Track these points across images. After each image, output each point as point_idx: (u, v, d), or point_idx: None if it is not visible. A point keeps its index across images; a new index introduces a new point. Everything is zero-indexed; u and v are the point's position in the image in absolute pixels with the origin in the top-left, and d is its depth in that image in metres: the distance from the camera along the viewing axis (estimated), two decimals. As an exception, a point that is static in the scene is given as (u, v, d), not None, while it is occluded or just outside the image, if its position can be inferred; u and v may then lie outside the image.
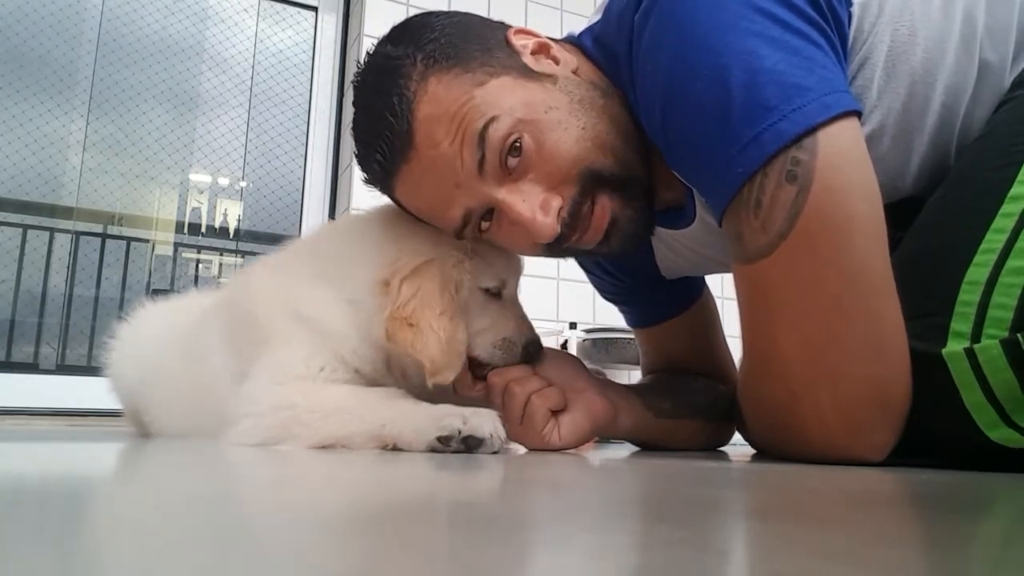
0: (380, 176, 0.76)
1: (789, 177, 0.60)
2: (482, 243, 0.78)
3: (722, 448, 1.07)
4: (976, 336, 0.58)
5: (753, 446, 0.86)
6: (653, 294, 0.99)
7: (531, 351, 0.80)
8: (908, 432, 0.65)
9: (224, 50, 2.26)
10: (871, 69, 0.68)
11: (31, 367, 1.95)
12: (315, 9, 2.25)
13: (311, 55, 2.24)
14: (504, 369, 0.78)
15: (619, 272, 1.00)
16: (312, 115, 2.18)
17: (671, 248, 0.89)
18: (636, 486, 0.51)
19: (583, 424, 0.78)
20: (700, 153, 0.65)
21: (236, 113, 2.25)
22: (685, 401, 0.92)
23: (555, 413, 0.77)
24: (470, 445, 0.67)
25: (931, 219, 0.68)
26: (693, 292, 1.00)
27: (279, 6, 2.29)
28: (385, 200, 0.81)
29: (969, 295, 0.59)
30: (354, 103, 0.79)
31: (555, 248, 0.76)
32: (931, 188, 0.70)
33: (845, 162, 0.61)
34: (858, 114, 0.62)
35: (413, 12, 2.31)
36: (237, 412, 0.75)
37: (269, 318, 0.78)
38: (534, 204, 0.70)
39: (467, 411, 0.69)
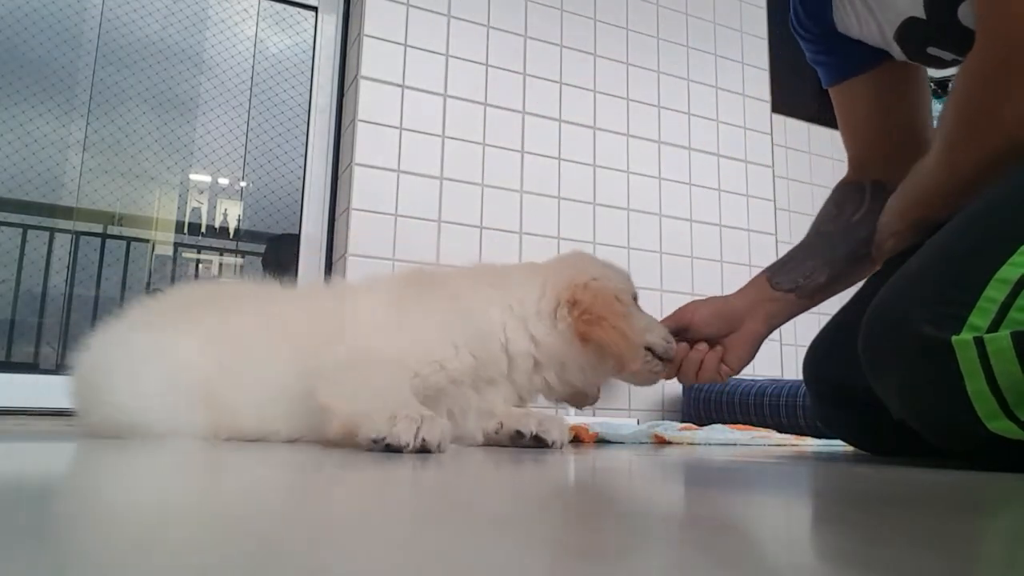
0: None
1: None
2: (610, 267, 1.07)
3: (731, 446, 1.07)
4: (991, 333, 0.58)
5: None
6: (834, 52, 1.05)
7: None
8: (909, 420, 0.65)
9: (224, 50, 2.26)
10: None
11: (31, 367, 1.95)
12: (315, 9, 2.25)
13: (311, 55, 2.24)
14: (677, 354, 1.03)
15: (804, 20, 1.06)
16: (312, 115, 2.18)
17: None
18: (643, 486, 0.51)
19: (743, 357, 1.03)
20: None
21: (236, 113, 2.24)
22: (842, 259, 1.04)
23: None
24: (540, 444, 0.84)
25: (986, 205, 0.68)
26: (875, 57, 1.02)
27: (279, 6, 2.28)
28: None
29: (996, 292, 0.59)
30: None
31: None
32: None
33: None
34: None
35: (413, 12, 2.29)
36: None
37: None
38: None
39: (542, 416, 0.85)
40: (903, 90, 1.05)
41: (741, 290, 1.07)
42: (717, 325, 1.04)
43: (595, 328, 0.92)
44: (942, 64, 0.94)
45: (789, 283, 1.04)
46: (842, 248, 1.05)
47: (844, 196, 1.08)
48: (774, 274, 1.06)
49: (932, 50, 0.92)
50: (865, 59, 1.02)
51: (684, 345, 1.04)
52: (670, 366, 1.03)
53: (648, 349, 1.00)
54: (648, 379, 1.03)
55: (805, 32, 1.06)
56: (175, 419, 0.85)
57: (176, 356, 0.88)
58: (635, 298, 1.07)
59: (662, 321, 1.07)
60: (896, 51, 0.95)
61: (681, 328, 1.05)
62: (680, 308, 1.08)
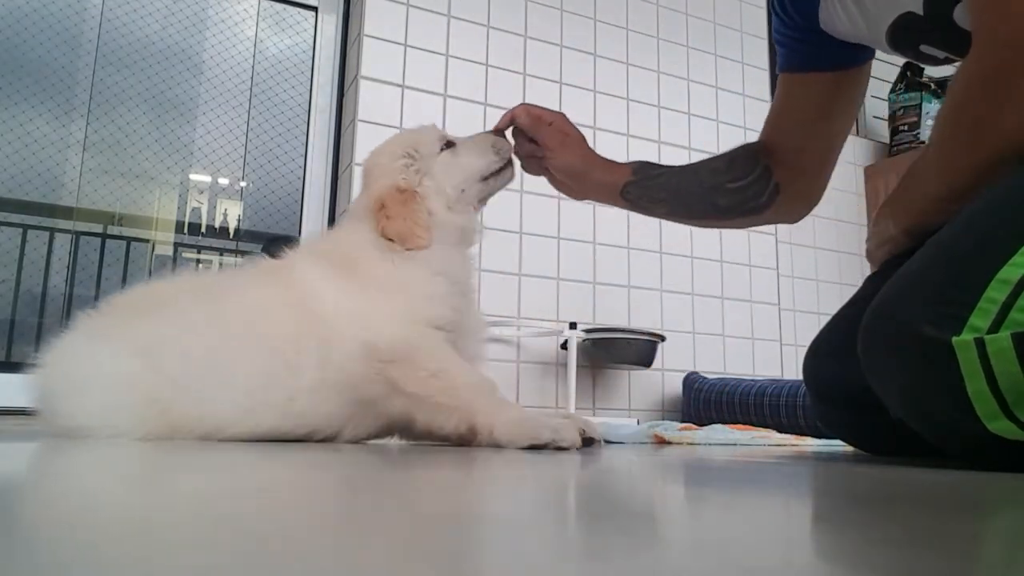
0: None
1: None
2: (394, 150, 1.06)
3: (731, 446, 1.07)
4: (992, 333, 0.58)
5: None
6: (806, 41, 1.04)
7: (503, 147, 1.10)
8: (909, 420, 0.65)
9: (224, 50, 2.26)
10: None
11: (31, 367, 1.95)
12: (315, 9, 2.25)
13: (311, 55, 2.24)
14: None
15: (787, 8, 1.05)
16: (312, 115, 2.18)
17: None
18: (643, 486, 0.51)
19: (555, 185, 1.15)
20: None
21: (236, 113, 2.24)
22: (686, 211, 1.12)
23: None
24: (557, 448, 0.81)
25: (987, 205, 0.67)
26: (842, 60, 1.03)
27: (279, 6, 2.28)
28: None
29: (997, 292, 0.59)
30: None
31: None
32: None
33: None
34: None
35: (413, 12, 2.28)
36: (353, 333, 0.87)
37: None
38: None
39: (556, 423, 0.82)
40: (843, 103, 1.08)
41: (606, 169, 1.12)
42: (563, 171, 1.10)
43: (394, 248, 0.98)
44: (935, 62, 0.94)
45: (634, 197, 1.12)
46: (696, 204, 1.11)
47: (739, 159, 1.12)
48: (633, 182, 1.12)
49: (925, 48, 0.92)
50: (831, 60, 1.03)
51: (530, 148, 1.10)
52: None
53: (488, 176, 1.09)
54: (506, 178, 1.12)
55: (785, 15, 1.06)
56: (123, 423, 0.87)
57: (123, 361, 0.89)
58: (448, 143, 1.08)
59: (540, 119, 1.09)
60: (885, 47, 0.95)
61: (539, 136, 1.08)
62: (563, 133, 1.10)
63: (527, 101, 1.14)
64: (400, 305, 0.92)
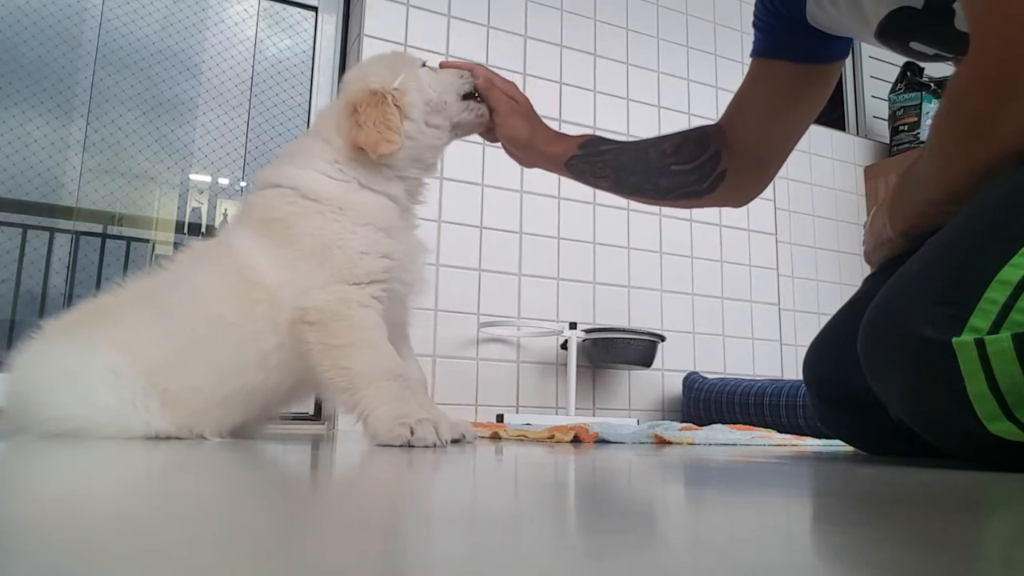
0: None
1: None
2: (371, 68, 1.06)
3: (731, 446, 1.07)
4: (992, 334, 0.58)
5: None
6: (784, 29, 1.04)
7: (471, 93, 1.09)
8: (909, 420, 0.65)
9: (224, 51, 2.26)
10: None
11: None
12: (315, 9, 2.25)
13: (311, 55, 2.24)
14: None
15: None
16: (312, 115, 2.18)
17: None
18: (643, 486, 0.51)
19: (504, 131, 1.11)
20: None
21: (236, 113, 2.24)
22: (629, 187, 1.13)
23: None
24: (413, 446, 0.83)
25: (986, 206, 0.67)
26: (816, 53, 1.04)
27: (279, 6, 2.28)
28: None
29: (996, 293, 0.59)
30: None
31: None
32: None
33: None
34: None
35: (413, 12, 2.28)
36: (287, 299, 0.92)
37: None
38: None
39: (413, 422, 0.84)
40: (807, 98, 1.08)
41: (551, 140, 1.13)
42: (510, 139, 1.11)
43: (365, 156, 0.99)
44: (923, 57, 0.95)
45: (578, 171, 1.14)
46: (639, 182, 1.12)
47: (689, 142, 1.12)
48: (578, 156, 1.13)
49: (915, 45, 0.92)
50: (805, 51, 1.04)
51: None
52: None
53: (467, 96, 1.09)
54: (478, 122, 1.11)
55: (770, 2, 1.05)
56: (127, 421, 0.90)
57: (117, 359, 0.93)
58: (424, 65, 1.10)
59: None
60: (871, 40, 0.95)
61: (490, 100, 1.10)
62: (512, 99, 1.11)
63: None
64: (328, 268, 0.94)
